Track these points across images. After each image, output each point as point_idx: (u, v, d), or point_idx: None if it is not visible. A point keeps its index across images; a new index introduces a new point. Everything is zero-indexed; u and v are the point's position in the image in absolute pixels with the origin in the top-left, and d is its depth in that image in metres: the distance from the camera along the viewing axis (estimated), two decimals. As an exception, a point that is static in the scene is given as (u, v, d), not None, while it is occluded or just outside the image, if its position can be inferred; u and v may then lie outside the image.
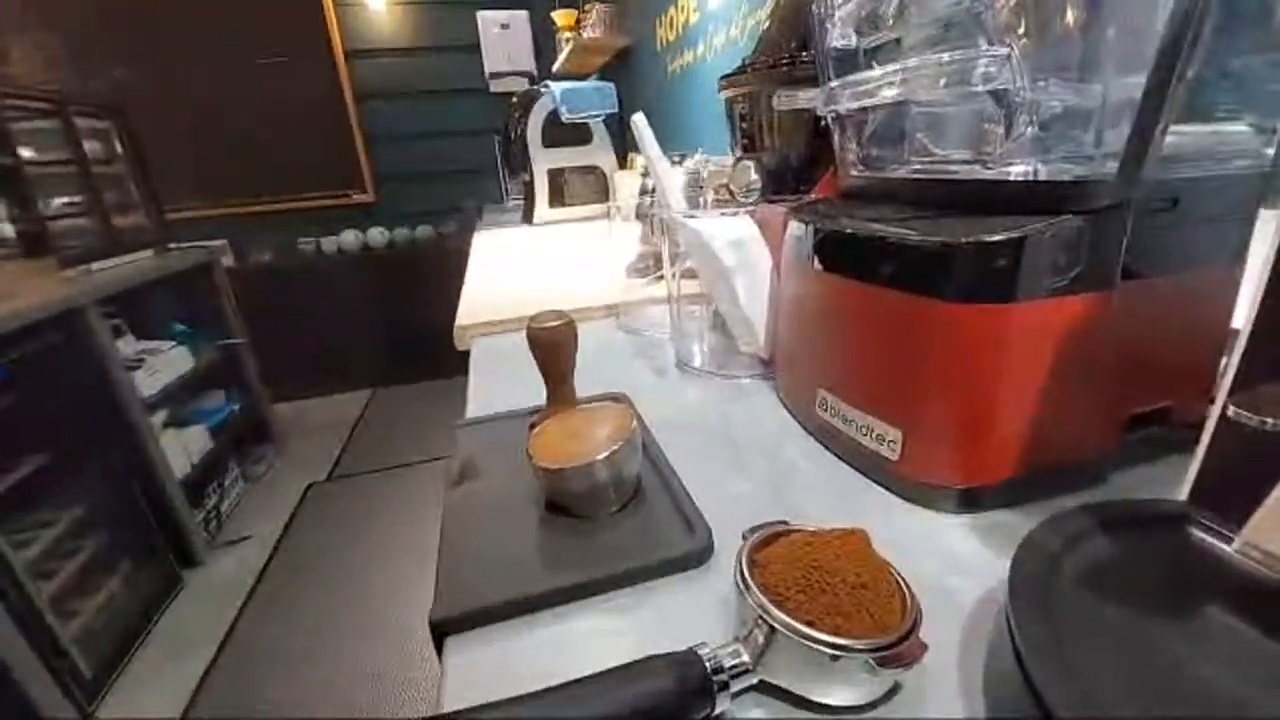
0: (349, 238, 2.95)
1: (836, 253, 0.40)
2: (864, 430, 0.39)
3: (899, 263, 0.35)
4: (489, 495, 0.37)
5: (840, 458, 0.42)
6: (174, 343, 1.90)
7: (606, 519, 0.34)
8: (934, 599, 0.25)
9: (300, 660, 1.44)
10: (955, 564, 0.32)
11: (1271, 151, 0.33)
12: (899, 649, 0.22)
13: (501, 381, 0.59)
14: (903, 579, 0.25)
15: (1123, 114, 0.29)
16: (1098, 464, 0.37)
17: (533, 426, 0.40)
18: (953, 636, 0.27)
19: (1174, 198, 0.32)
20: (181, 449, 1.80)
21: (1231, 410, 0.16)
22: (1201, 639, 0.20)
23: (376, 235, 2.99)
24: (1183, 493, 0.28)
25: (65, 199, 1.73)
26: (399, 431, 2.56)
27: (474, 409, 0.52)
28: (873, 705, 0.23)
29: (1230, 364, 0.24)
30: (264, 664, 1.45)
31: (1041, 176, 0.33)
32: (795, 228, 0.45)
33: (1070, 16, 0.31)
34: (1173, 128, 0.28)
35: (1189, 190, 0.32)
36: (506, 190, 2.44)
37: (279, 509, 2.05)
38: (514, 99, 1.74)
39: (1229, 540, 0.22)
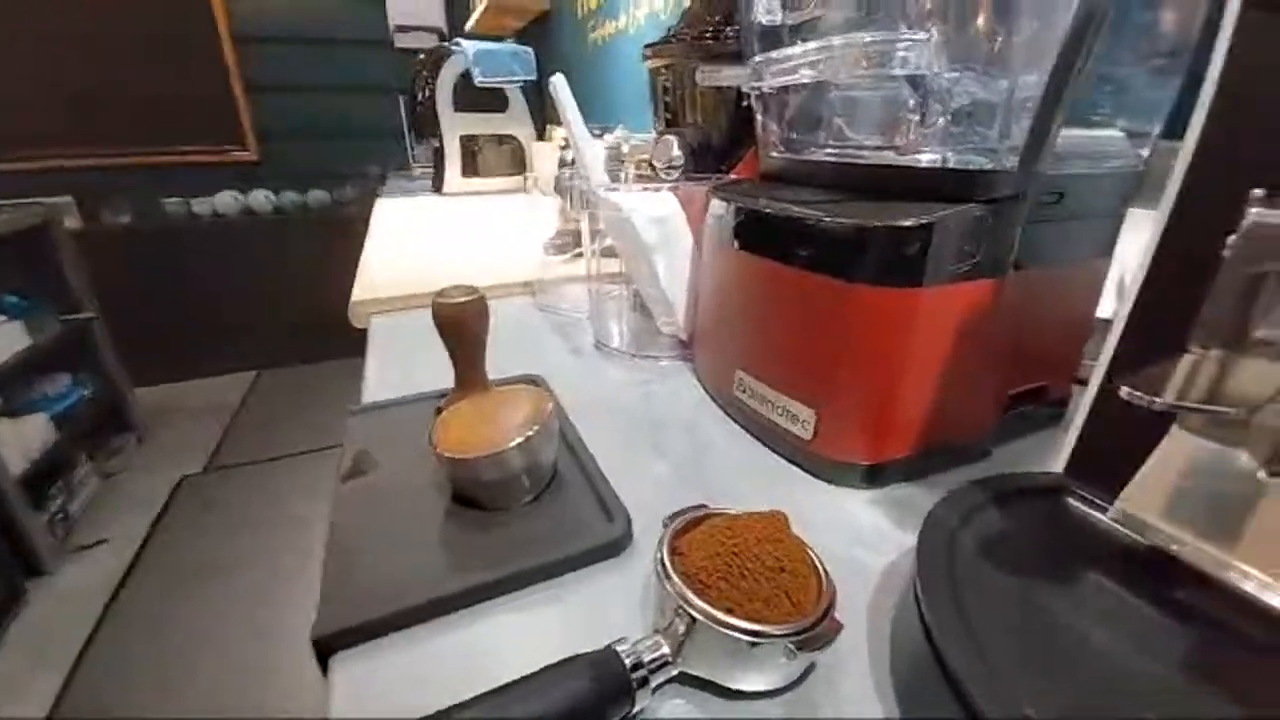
0: (226, 199, 2.62)
1: (755, 233, 0.40)
2: (780, 410, 0.39)
3: (814, 245, 0.35)
4: (387, 489, 0.34)
5: (757, 438, 0.42)
6: (4, 317, 1.61)
7: (520, 510, 0.32)
8: (843, 573, 0.25)
9: (172, 675, 1.29)
10: (860, 537, 0.33)
11: (1144, 153, 0.36)
12: (816, 631, 0.22)
13: (404, 363, 0.55)
14: (819, 559, 0.25)
15: (1024, 110, 0.31)
16: (982, 440, 0.40)
17: (439, 412, 0.37)
18: (861, 608, 0.28)
19: (1060, 192, 0.34)
20: (18, 441, 1.53)
21: (1124, 391, 0.18)
22: (1082, 601, 0.22)
23: (260, 198, 2.68)
24: (1058, 465, 0.30)
25: None
26: (288, 418, 2.34)
27: (372, 393, 0.47)
28: (791, 686, 0.23)
29: (1107, 348, 0.26)
30: (130, 680, 1.28)
31: (950, 165, 0.35)
32: (717, 206, 0.44)
33: (983, 12, 0.32)
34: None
35: (1072, 186, 0.35)
36: (414, 156, 2.27)
37: (143, 507, 1.81)
38: (421, 56, 1.61)
39: (1103, 509, 0.24)
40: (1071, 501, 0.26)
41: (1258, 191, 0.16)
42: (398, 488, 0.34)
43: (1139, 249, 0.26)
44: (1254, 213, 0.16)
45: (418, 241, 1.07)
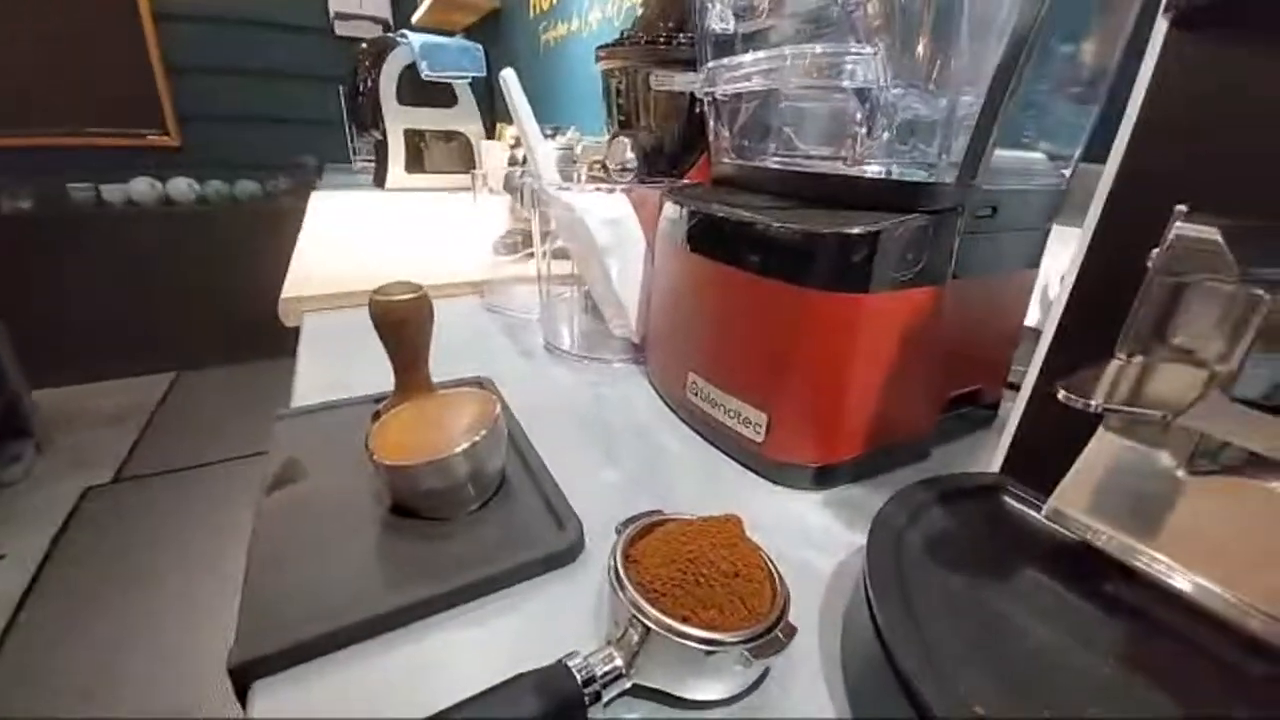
0: (142, 186, 2.42)
1: (707, 237, 0.40)
2: (732, 414, 0.39)
3: (765, 250, 0.36)
4: (317, 500, 0.31)
5: (709, 441, 0.42)
6: None
7: (465, 520, 0.30)
8: (796, 575, 0.25)
9: (79, 702, 1.17)
10: (811, 539, 0.33)
11: (1066, 174, 0.39)
12: (770, 636, 0.21)
13: (340, 364, 0.52)
14: (772, 563, 0.25)
15: (962, 127, 0.32)
16: (923, 441, 0.42)
17: (377, 416, 0.34)
18: (813, 609, 0.28)
19: (994, 206, 0.36)
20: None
21: (1062, 394, 0.18)
22: (1022, 598, 0.22)
23: (182, 186, 2.48)
24: (993, 465, 0.32)
25: None
26: (212, 422, 2.17)
27: (303, 396, 0.44)
28: (745, 692, 0.23)
29: (1038, 354, 0.28)
30: (30, 710, 1.15)
31: (894, 177, 0.36)
32: (670, 210, 0.44)
33: (926, 33, 0.33)
34: (993, 145, 0.32)
35: (1005, 201, 0.36)
36: (354, 149, 2.17)
37: (45, 520, 1.64)
38: (364, 45, 1.54)
39: (1037, 507, 0.25)
40: (1009, 500, 0.28)
41: (1181, 207, 0.18)
42: (330, 499, 0.31)
43: (1064, 262, 0.27)
44: (1178, 226, 0.18)
45: (357, 237, 1.02)
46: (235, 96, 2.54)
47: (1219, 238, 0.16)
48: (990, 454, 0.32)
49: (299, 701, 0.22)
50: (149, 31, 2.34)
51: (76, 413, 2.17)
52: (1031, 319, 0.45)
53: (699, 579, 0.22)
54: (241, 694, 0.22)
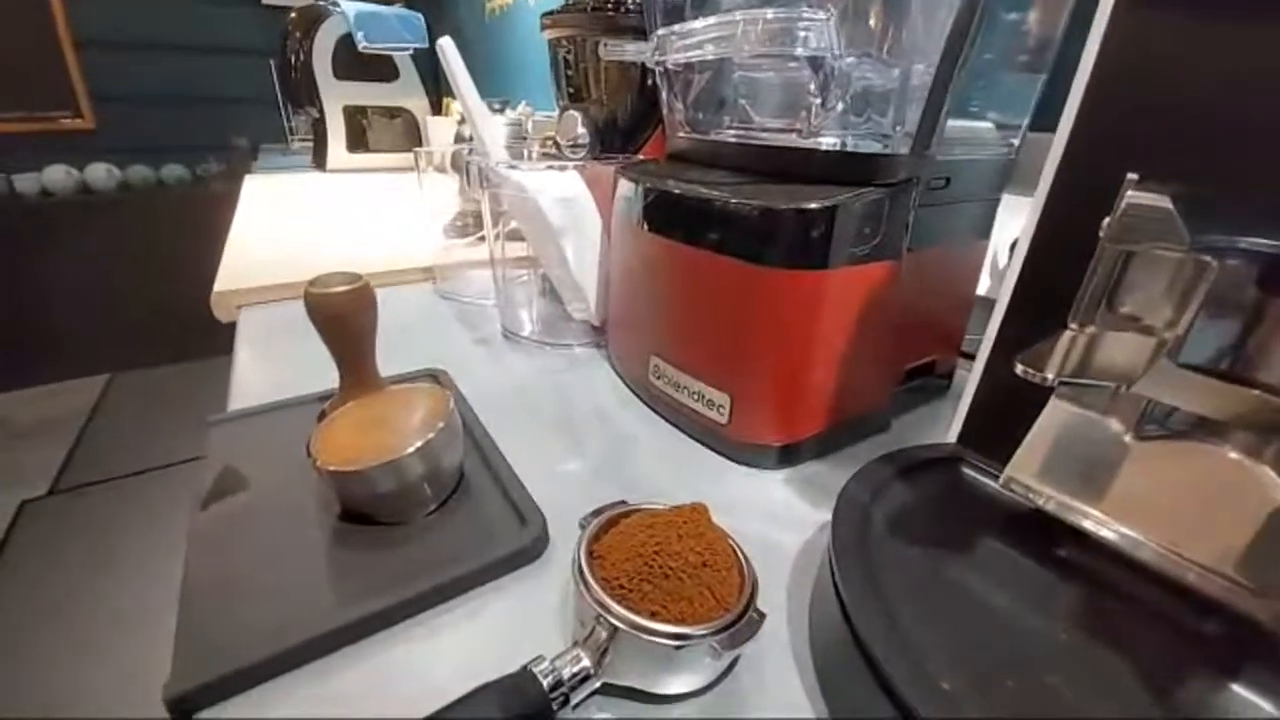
0: (57, 174, 2.22)
1: (665, 215, 0.39)
2: (695, 395, 0.39)
3: (722, 227, 0.35)
4: (259, 512, 0.29)
5: (674, 424, 0.42)
6: None
7: (422, 522, 0.29)
8: (763, 556, 0.25)
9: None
10: (776, 518, 0.33)
11: (1014, 143, 0.39)
12: (739, 625, 0.21)
13: (282, 361, 0.49)
14: (739, 549, 0.25)
15: (916, 98, 0.32)
16: (883, 414, 0.42)
17: (323, 417, 0.32)
18: (781, 588, 0.28)
19: (947, 177, 0.36)
20: None
21: (1019, 368, 0.18)
22: (981, 567, 0.23)
23: (100, 173, 2.29)
24: (950, 435, 0.32)
25: None
26: (153, 426, 2.04)
27: (242, 398, 0.42)
28: (717, 682, 0.23)
29: (992, 326, 0.28)
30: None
31: (849, 149, 0.35)
32: (625, 187, 0.43)
33: (879, 3, 0.32)
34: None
35: (958, 171, 0.36)
36: (291, 128, 2.04)
37: (-26, 540, 1.53)
38: (293, 15, 1.44)
39: (994, 477, 0.25)
40: (967, 470, 0.28)
41: (1132, 175, 0.18)
42: (274, 509, 0.29)
43: (1013, 232, 0.28)
44: (1129, 195, 0.17)
45: (297, 223, 0.96)
46: (155, 73, 2.35)
47: (1170, 206, 0.16)
48: (947, 424, 0.32)
49: (247, 730, 0.21)
50: (55, 2, 2.13)
51: (3, 423, 2.02)
52: (982, 288, 0.46)
53: (666, 572, 0.22)
54: (181, 728, 0.21)
